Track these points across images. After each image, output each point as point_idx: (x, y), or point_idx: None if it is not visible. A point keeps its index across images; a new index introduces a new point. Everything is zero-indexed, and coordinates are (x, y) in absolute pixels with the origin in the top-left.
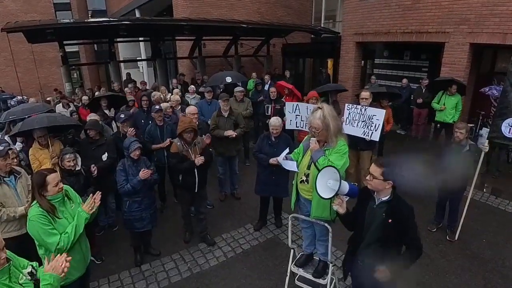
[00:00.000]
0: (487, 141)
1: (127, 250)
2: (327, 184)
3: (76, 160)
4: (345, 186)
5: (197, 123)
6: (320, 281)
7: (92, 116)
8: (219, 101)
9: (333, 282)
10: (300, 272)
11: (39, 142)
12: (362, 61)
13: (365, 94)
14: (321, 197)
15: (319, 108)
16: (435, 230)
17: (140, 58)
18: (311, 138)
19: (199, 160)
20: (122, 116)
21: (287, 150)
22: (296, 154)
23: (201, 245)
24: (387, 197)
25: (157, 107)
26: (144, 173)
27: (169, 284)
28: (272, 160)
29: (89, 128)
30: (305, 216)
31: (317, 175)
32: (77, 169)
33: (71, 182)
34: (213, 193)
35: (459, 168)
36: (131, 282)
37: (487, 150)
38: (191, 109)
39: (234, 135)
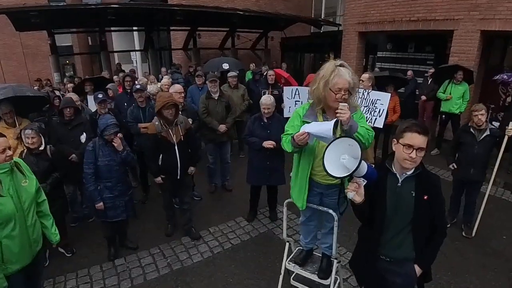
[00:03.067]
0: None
1: (102, 243)
2: (341, 160)
3: (40, 138)
4: (363, 166)
5: (183, 103)
6: (322, 281)
7: (69, 95)
8: (207, 82)
9: (337, 282)
10: (297, 269)
11: (5, 121)
12: (364, 59)
13: (363, 75)
14: (330, 175)
15: (336, 65)
16: (449, 226)
17: (132, 49)
18: (342, 104)
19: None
20: (100, 96)
21: (332, 122)
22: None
23: (185, 239)
24: (413, 171)
25: (137, 86)
26: (99, 206)
27: (144, 281)
28: (266, 144)
29: (65, 106)
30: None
31: (326, 147)
32: (40, 148)
33: (30, 162)
34: (202, 185)
35: (478, 155)
36: (101, 278)
37: (511, 134)
38: (176, 87)
39: (225, 129)
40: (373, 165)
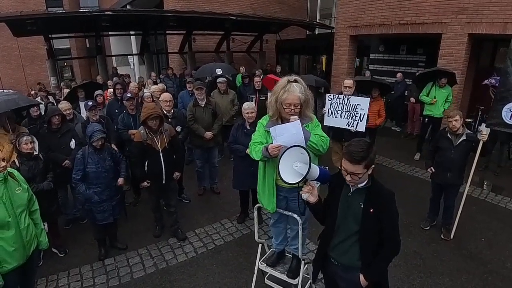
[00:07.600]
0: (486, 129)
1: (94, 244)
2: (293, 167)
3: (34, 144)
4: (315, 170)
5: (172, 111)
6: (291, 281)
7: (61, 104)
8: (194, 90)
9: (309, 282)
10: (269, 270)
11: (3, 127)
12: (358, 60)
13: (348, 82)
14: (285, 182)
15: (289, 81)
16: (428, 228)
17: (128, 53)
18: (292, 117)
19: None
20: (90, 103)
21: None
22: (260, 144)
23: (171, 240)
24: (364, 183)
25: (129, 94)
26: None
27: (131, 279)
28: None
29: (53, 114)
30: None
31: (280, 158)
32: (35, 153)
33: (30, 167)
34: (191, 187)
35: (455, 160)
36: (91, 277)
37: (485, 139)
38: (164, 95)
39: (211, 136)
40: (327, 168)
